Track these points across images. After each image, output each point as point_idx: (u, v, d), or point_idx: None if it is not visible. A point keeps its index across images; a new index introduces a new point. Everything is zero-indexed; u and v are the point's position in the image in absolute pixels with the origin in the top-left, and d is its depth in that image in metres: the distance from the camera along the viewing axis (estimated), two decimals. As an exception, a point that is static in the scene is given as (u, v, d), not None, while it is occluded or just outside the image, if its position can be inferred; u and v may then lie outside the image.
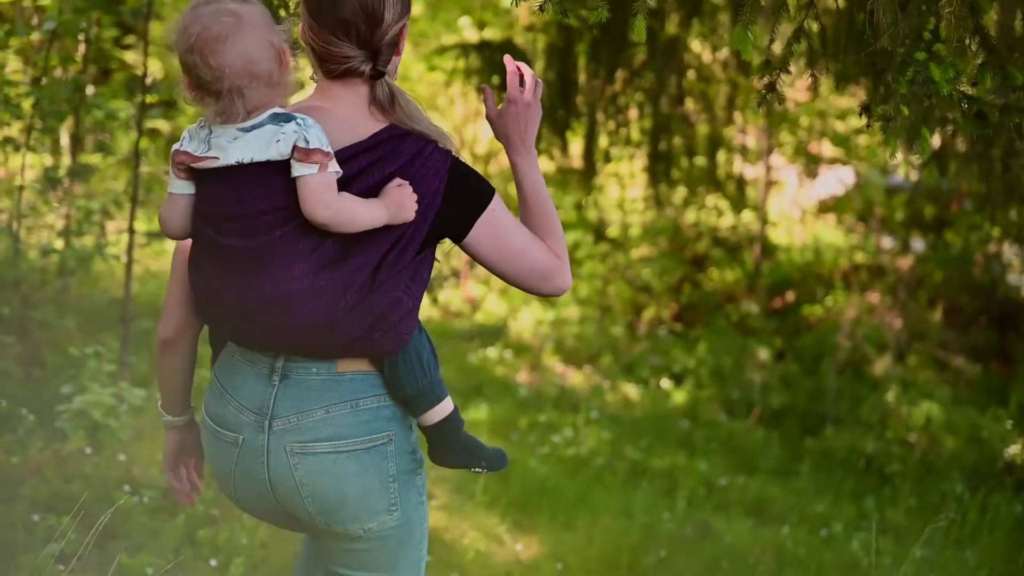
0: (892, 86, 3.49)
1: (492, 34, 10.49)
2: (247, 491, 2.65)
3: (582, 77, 8.61)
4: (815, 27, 3.77)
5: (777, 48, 3.61)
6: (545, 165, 10.13)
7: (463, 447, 2.72)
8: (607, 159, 9.80)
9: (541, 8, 3.11)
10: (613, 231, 11.96)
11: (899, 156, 3.69)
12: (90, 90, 7.15)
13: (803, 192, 13.68)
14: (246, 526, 4.98)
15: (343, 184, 2.46)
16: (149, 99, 6.53)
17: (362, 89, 2.59)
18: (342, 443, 2.54)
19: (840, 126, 12.55)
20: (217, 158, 2.45)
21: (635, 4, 3.01)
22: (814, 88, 3.99)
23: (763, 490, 7.30)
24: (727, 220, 11.96)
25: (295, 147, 2.40)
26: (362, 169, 2.50)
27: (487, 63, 8.06)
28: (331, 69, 2.57)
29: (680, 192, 10.74)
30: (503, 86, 5.06)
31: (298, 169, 2.40)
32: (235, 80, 2.42)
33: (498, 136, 2.81)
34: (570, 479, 6.99)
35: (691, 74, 10.00)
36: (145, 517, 4.87)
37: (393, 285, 2.49)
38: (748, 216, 12.17)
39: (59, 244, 6.68)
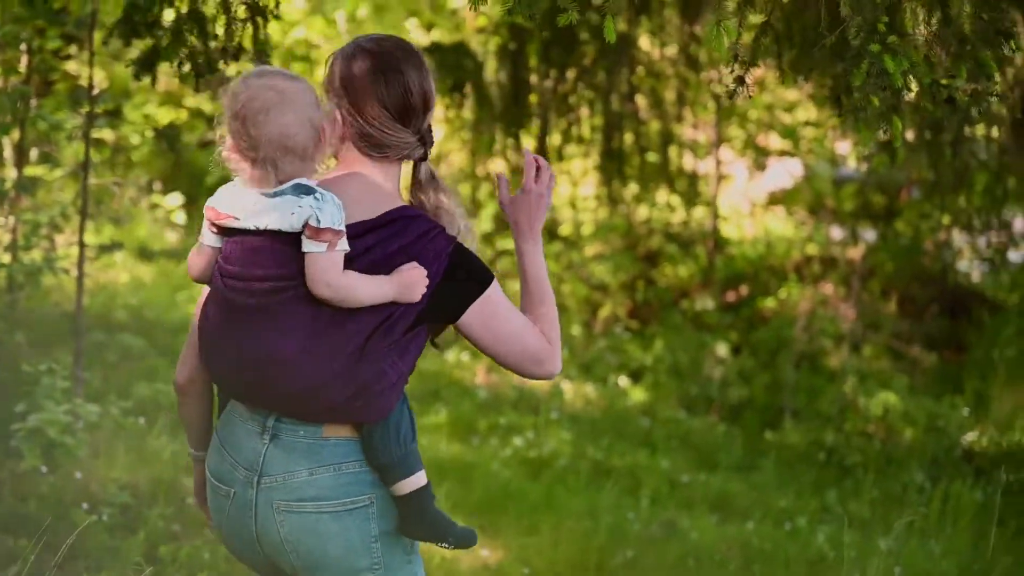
0: (852, 77, 3.47)
1: (440, 36, 10.44)
2: (238, 541, 2.77)
3: (533, 77, 8.59)
4: (780, 19, 3.74)
5: (745, 43, 3.58)
6: (499, 166, 10.09)
7: (431, 521, 2.75)
8: (560, 157, 9.77)
9: (510, 11, 3.10)
10: (566, 229, 11.92)
11: (852, 149, 3.63)
12: (32, 102, 7.03)
13: (753, 185, 13.71)
14: (209, 540, 4.91)
15: (350, 258, 2.58)
16: (94, 108, 6.42)
17: (394, 167, 2.77)
18: (325, 504, 2.65)
19: (788, 118, 12.59)
20: (238, 219, 2.59)
21: (605, 5, 2.99)
22: (782, 79, 3.97)
23: (725, 486, 7.29)
24: (679, 215, 11.95)
25: (307, 224, 2.51)
26: (368, 247, 2.62)
27: (438, 67, 8.00)
28: (379, 155, 2.75)
29: (632, 189, 10.73)
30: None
31: (307, 246, 2.52)
32: (270, 151, 2.55)
33: (508, 219, 2.93)
34: (533, 481, 6.95)
35: (641, 71, 10.01)
36: (104, 535, 4.80)
37: (380, 358, 2.60)
38: (700, 211, 12.17)
39: (6, 258, 6.56)
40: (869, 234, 12.46)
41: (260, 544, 2.72)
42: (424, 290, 2.61)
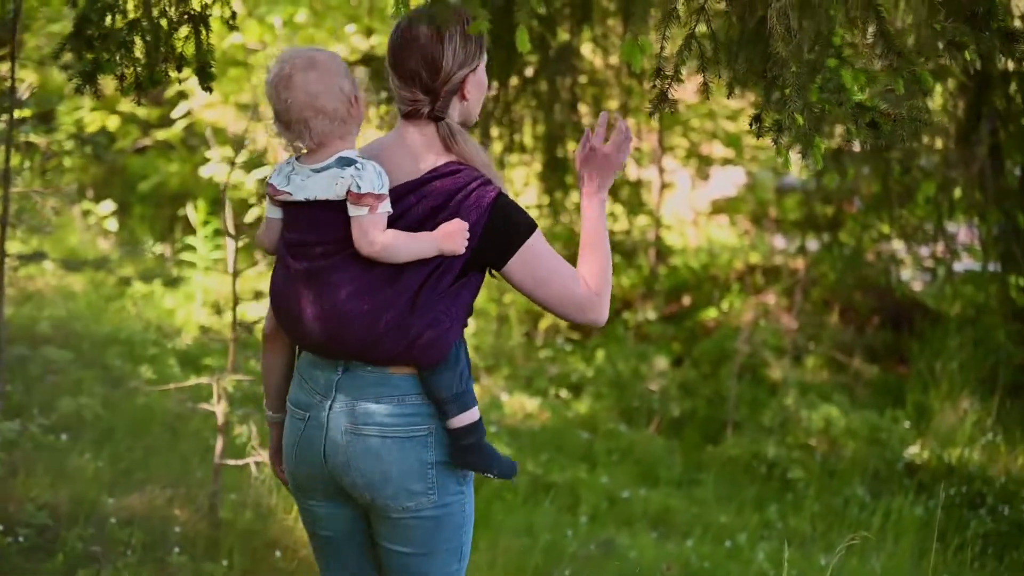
0: (787, 94, 3.39)
1: (380, 41, 10.29)
2: (305, 462, 3.10)
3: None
4: (706, 31, 3.65)
5: (669, 54, 3.50)
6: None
7: (480, 453, 3.06)
8: (502, 166, 9.65)
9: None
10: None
11: (793, 165, 3.61)
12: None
13: (696, 194, 13.66)
14: (129, 563, 4.76)
15: (395, 218, 2.92)
16: (21, 113, 6.23)
17: (430, 127, 3.04)
18: (388, 430, 2.98)
19: (731, 126, 12.55)
20: (291, 193, 2.96)
21: (516, 14, 2.90)
22: (705, 93, 3.91)
23: (666, 501, 7.18)
24: (621, 224, 11.84)
25: (349, 191, 2.85)
26: (411, 206, 2.95)
27: (372, 76, 7.86)
28: (402, 109, 3.06)
29: (575, 198, 10.60)
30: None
31: (351, 210, 2.86)
32: (300, 112, 2.90)
33: (578, 173, 3.21)
34: (470, 497, 6.80)
35: (584, 80, 9.91)
36: (20, 558, 4.66)
37: (432, 307, 2.93)
38: (643, 220, 12.08)
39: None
40: (812, 244, 12.44)
41: (327, 462, 3.04)
42: (466, 241, 2.91)
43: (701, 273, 12.13)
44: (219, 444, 5.31)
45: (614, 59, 9.84)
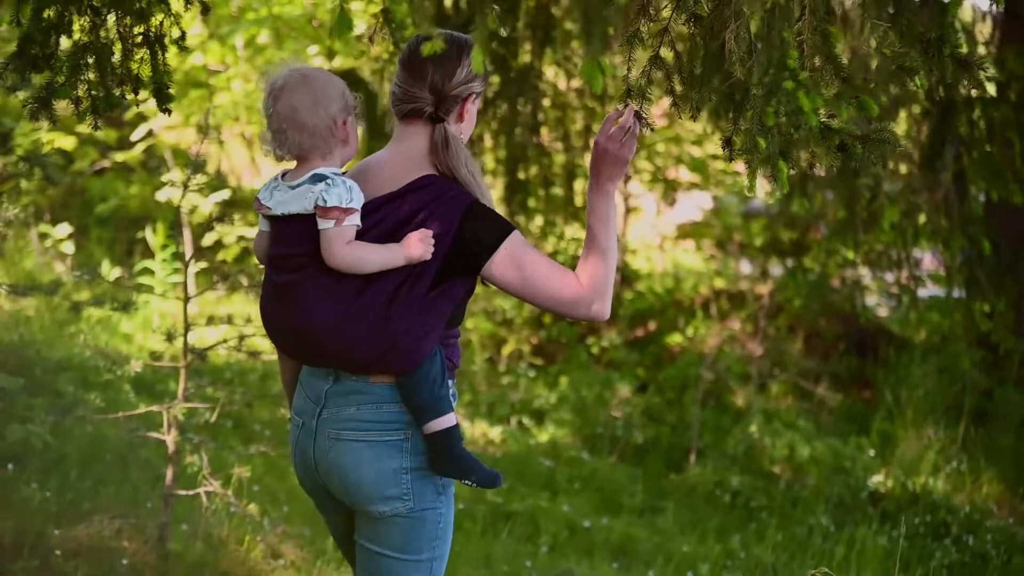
0: (749, 117, 3.33)
1: (342, 63, 10.19)
2: (301, 466, 3.27)
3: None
4: (671, 56, 3.60)
5: (635, 77, 3.45)
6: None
7: (457, 459, 3.12)
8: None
9: (371, 40, 3.05)
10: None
11: (759, 189, 3.57)
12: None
13: (661, 219, 13.61)
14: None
15: (370, 229, 3.04)
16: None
17: (423, 134, 3.16)
18: (363, 434, 3.11)
19: (697, 151, 12.50)
20: (270, 208, 3.11)
21: (474, 34, 2.83)
22: (672, 115, 3.91)
23: (628, 530, 7.07)
24: (586, 249, 11.75)
25: (317, 205, 2.99)
26: (382, 219, 3.06)
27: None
28: (401, 109, 3.18)
29: (538, 222, 10.51)
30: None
31: (319, 223, 2.99)
32: (280, 122, 3.04)
33: (589, 168, 3.25)
34: (428, 527, 6.67)
35: (546, 103, 9.84)
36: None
37: (405, 315, 3.02)
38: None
39: None
40: (777, 269, 12.40)
41: (316, 468, 3.20)
42: (431, 248, 2.99)
43: (666, 298, 12.06)
44: (169, 474, 5.19)
45: (576, 81, 9.76)
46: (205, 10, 3.98)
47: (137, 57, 3.85)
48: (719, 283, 12.45)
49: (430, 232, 3.00)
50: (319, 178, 3.01)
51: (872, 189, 7.80)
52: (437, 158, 3.14)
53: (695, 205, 13.74)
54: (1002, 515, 7.72)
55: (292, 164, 3.14)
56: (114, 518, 5.43)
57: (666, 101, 3.65)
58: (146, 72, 3.88)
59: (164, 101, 3.90)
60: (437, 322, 3.07)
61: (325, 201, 2.96)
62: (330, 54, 10.03)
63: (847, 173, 7.87)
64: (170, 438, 5.19)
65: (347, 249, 2.97)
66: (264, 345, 5.16)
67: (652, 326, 11.47)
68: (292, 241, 3.07)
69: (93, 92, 3.83)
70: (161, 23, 3.85)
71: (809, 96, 3.38)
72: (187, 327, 5.30)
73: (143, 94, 3.90)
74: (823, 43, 3.29)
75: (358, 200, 3.01)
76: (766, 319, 10.30)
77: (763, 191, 9.99)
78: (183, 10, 3.93)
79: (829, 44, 3.30)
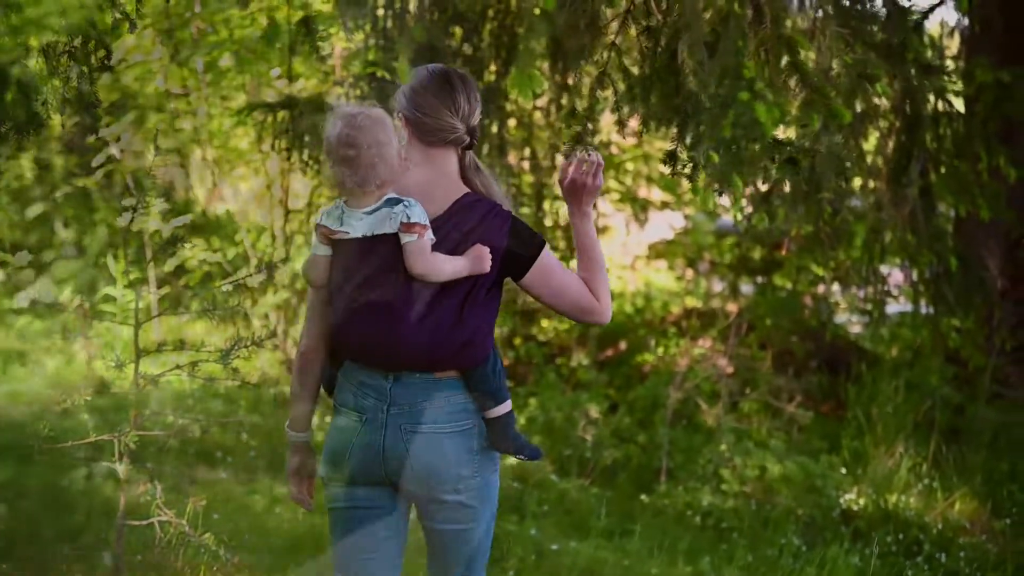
0: (701, 130, 3.24)
1: (304, 86, 10.09)
2: (360, 460, 3.62)
3: (399, 130, 8.27)
4: (619, 73, 3.51)
5: (584, 93, 3.38)
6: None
7: (514, 439, 3.66)
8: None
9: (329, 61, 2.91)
10: (440, 284, 11.55)
11: (716, 203, 3.52)
12: None
13: (632, 238, 13.54)
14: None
15: (434, 245, 3.46)
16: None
17: (452, 157, 3.68)
18: (439, 427, 3.56)
19: (666, 169, 12.42)
20: (348, 232, 3.53)
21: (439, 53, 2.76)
22: (622, 132, 3.99)
23: (596, 554, 6.95)
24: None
25: (401, 223, 3.44)
26: (446, 234, 3.50)
27: (295, 120, 7.67)
28: (434, 140, 3.65)
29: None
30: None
31: (403, 238, 3.44)
32: (371, 158, 3.46)
33: (565, 199, 3.78)
34: (392, 554, 6.54)
35: (512, 123, 9.76)
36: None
37: (473, 318, 3.53)
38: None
39: None
40: (747, 287, 12.32)
41: (385, 457, 3.57)
42: (489, 263, 3.48)
43: (636, 318, 11.97)
44: (122, 503, 5.07)
45: (542, 101, 9.69)
46: (132, 27, 3.89)
47: (64, 80, 3.79)
48: (690, 302, 12.36)
49: (487, 248, 3.48)
50: (395, 201, 3.47)
51: (834, 204, 7.72)
52: (470, 178, 3.69)
53: (666, 224, 13.67)
54: (975, 532, 7.64)
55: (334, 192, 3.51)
56: (67, 550, 5.31)
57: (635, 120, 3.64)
58: (72, 93, 3.85)
59: (93, 120, 3.82)
60: (493, 320, 3.62)
61: (409, 218, 3.42)
62: (291, 77, 9.92)
63: (811, 188, 7.81)
64: (121, 467, 5.07)
65: (428, 259, 3.42)
66: (218, 370, 5.04)
67: (623, 346, 11.37)
68: (374, 259, 3.48)
69: (14, 116, 3.74)
70: (78, 43, 3.78)
71: (768, 108, 3.31)
72: (138, 354, 5.19)
73: (73, 117, 3.82)
74: (787, 50, 3.23)
75: (426, 217, 3.47)
76: (736, 337, 10.20)
77: (717, 207, 9.93)
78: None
79: (794, 51, 3.23)
